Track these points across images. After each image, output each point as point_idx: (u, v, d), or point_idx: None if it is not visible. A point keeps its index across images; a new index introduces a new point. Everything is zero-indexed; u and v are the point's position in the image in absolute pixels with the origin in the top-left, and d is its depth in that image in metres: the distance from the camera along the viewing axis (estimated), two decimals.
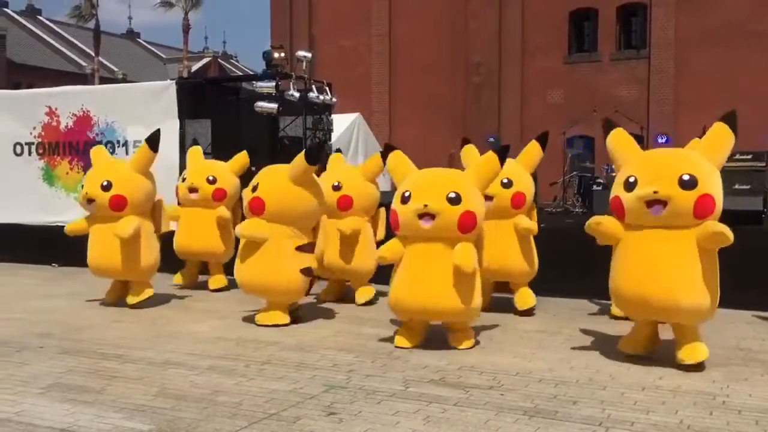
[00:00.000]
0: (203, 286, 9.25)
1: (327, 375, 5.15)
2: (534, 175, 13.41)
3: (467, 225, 5.80)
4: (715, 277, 5.35)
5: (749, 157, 12.09)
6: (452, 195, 5.75)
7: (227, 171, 9.02)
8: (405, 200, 5.91)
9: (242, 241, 6.97)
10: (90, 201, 7.71)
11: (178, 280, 9.35)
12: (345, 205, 7.91)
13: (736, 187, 11.77)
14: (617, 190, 5.49)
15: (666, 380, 5.07)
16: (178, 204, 9.20)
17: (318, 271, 7.95)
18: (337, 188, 7.91)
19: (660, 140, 14.49)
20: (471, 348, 5.99)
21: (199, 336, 6.49)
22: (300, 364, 5.47)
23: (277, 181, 6.91)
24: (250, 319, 7.10)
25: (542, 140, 7.52)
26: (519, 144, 23.41)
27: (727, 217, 8.49)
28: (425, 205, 5.73)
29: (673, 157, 5.53)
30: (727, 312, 7.36)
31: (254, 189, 6.91)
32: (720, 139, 5.46)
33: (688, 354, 5.37)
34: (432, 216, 5.74)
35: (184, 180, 9.06)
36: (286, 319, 6.91)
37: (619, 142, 5.75)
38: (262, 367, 5.37)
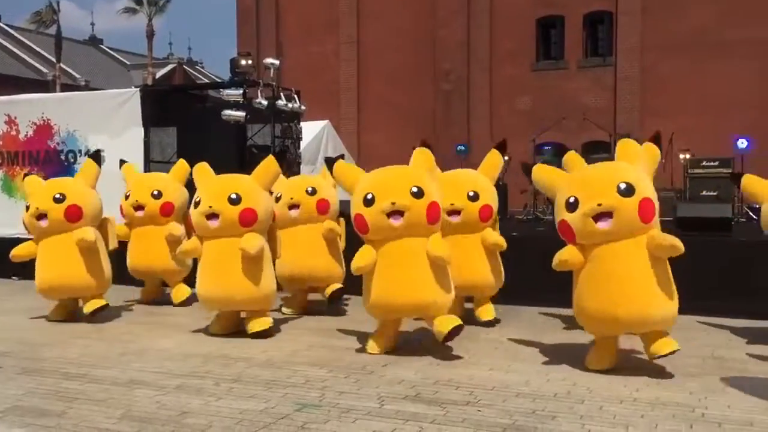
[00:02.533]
0: (169, 300, 8.99)
1: (299, 393, 5.00)
2: (504, 184, 13.50)
3: (435, 216, 5.90)
4: (671, 280, 5.42)
5: (716, 163, 12.26)
6: (415, 189, 5.81)
7: (172, 182, 8.64)
8: (369, 202, 5.84)
9: (209, 256, 6.75)
10: (41, 217, 7.41)
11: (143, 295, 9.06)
12: (324, 208, 7.93)
13: (704, 193, 11.92)
14: (561, 213, 5.49)
15: (643, 392, 5.01)
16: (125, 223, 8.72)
17: (283, 283, 7.88)
18: (312, 193, 7.91)
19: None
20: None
21: (166, 353, 6.27)
22: (271, 381, 5.30)
23: (255, 189, 6.81)
24: (218, 334, 6.92)
25: (501, 148, 7.45)
26: (487, 152, 23.44)
27: (697, 225, 8.62)
28: (393, 203, 5.71)
29: (605, 169, 5.63)
30: (701, 320, 7.41)
31: (235, 201, 6.63)
32: (642, 153, 5.68)
33: (660, 347, 5.40)
34: (401, 213, 5.74)
35: (127, 197, 8.52)
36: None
37: (544, 174, 5.88)
38: (231, 386, 5.19)
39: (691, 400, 4.82)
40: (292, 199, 7.89)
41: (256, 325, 6.78)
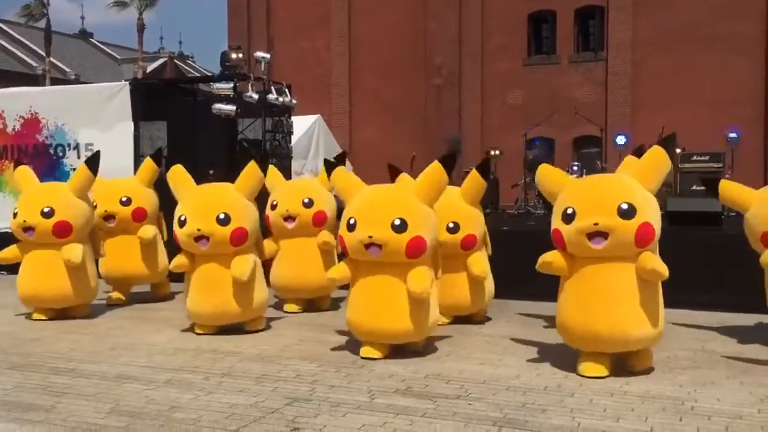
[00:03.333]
0: (153, 297, 8.94)
1: (290, 387, 4.98)
2: (495, 179, 13.49)
3: (416, 251, 5.61)
4: (660, 303, 5.33)
5: (706, 158, 12.23)
6: (397, 222, 5.54)
7: (139, 186, 8.47)
8: (351, 228, 5.71)
9: (204, 273, 6.62)
10: (28, 229, 7.26)
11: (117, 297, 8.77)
12: (320, 221, 7.80)
13: (694, 188, 11.90)
14: (556, 222, 5.35)
15: (633, 385, 5.02)
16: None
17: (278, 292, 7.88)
18: (308, 205, 7.74)
19: (619, 141, 14.61)
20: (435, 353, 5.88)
21: (156, 347, 6.25)
22: (261, 375, 5.29)
23: (242, 202, 6.67)
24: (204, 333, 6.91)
25: (483, 170, 6.94)
26: (479, 146, 23.48)
27: (686, 219, 8.64)
28: (370, 237, 5.54)
29: (609, 185, 5.40)
30: (691, 314, 7.44)
31: (225, 221, 6.44)
32: (656, 164, 5.39)
33: (638, 362, 5.37)
34: (379, 246, 5.57)
35: (95, 207, 8.12)
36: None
37: (547, 175, 5.69)
38: (221, 380, 5.17)
39: (681, 393, 4.84)
40: (287, 210, 7.72)
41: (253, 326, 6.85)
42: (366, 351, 5.84)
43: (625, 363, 5.39)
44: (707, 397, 4.75)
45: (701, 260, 7.97)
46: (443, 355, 5.95)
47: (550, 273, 5.46)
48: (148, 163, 8.61)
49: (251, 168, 6.79)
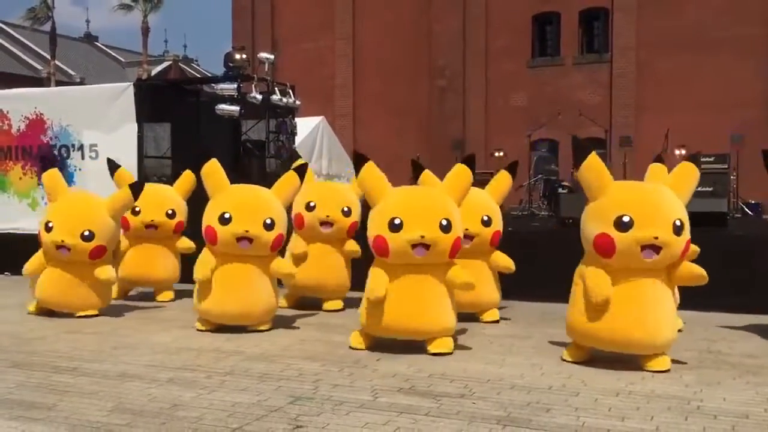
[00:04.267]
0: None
1: (292, 386, 4.95)
2: None
3: (456, 251, 5.82)
4: (670, 308, 5.48)
5: (712, 159, 12.26)
6: (444, 222, 5.66)
7: (179, 199, 8.71)
8: (396, 228, 5.65)
9: (227, 277, 6.66)
10: (62, 248, 7.32)
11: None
12: (353, 230, 7.94)
13: (700, 189, 11.88)
14: (605, 227, 5.24)
15: (638, 385, 4.99)
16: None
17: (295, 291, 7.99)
18: (347, 213, 7.83)
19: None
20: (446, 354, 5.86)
21: (159, 347, 6.22)
22: (264, 374, 5.26)
23: (281, 210, 6.84)
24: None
25: (512, 170, 7.44)
26: (483, 148, 23.48)
27: (691, 220, 8.60)
28: (422, 236, 5.57)
29: (660, 197, 5.38)
30: (697, 315, 7.40)
31: (270, 226, 6.60)
32: (689, 178, 5.54)
33: (654, 364, 5.38)
34: (427, 246, 5.61)
35: (138, 212, 8.41)
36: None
37: (596, 169, 5.47)
38: (224, 379, 5.14)
39: (687, 393, 4.80)
40: (328, 217, 7.75)
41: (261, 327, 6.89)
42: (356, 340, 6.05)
43: (641, 364, 5.40)
44: (713, 397, 4.71)
45: (707, 261, 7.89)
46: (447, 354, 5.91)
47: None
48: (188, 175, 8.71)
49: (290, 176, 6.97)
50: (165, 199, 8.63)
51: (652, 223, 5.16)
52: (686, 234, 5.27)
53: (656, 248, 5.15)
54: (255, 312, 6.73)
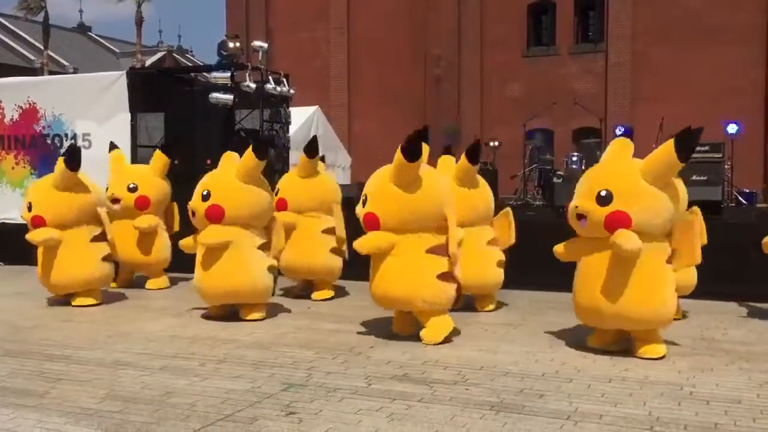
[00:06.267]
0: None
1: (286, 373, 4.95)
2: (494, 169, 13.45)
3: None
4: (662, 282, 5.33)
5: (706, 148, 12.22)
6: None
7: (150, 176, 8.65)
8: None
9: (201, 250, 6.72)
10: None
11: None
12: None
13: (694, 178, 11.89)
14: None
15: (632, 371, 5.00)
16: None
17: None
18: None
19: (618, 131, 14.57)
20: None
21: (153, 335, 6.21)
22: (258, 362, 5.26)
23: (228, 184, 6.73)
24: (206, 316, 6.90)
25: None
26: (478, 137, 23.35)
27: (687, 207, 8.58)
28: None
29: (600, 172, 5.64)
30: (691, 302, 7.41)
31: (206, 197, 6.65)
32: (660, 151, 5.31)
33: (646, 352, 5.38)
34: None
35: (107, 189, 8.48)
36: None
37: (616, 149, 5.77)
38: (217, 366, 5.14)
39: (680, 379, 4.81)
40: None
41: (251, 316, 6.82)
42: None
43: (634, 349, 5.41)
44: (706, 383, 4.72)
45: (701, 249, 7.92)
46: (441, 342, 5.91)
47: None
48: (158, 153, 8.75)
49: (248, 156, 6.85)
50: (129, 174, 8.65)
51: (579, 193, 5.52)
52: (615, 205, 5.22)
53: (583, 216, 5.38)
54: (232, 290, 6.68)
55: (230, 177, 6.78)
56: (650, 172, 5.29)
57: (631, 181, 5.34)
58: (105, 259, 7.61)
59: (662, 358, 5.34)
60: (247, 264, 6.65)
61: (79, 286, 7.51)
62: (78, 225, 7.46)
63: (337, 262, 7.87)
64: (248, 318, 6.76)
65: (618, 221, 5.23)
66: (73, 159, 7.36)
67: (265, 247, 6.81)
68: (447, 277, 5.79)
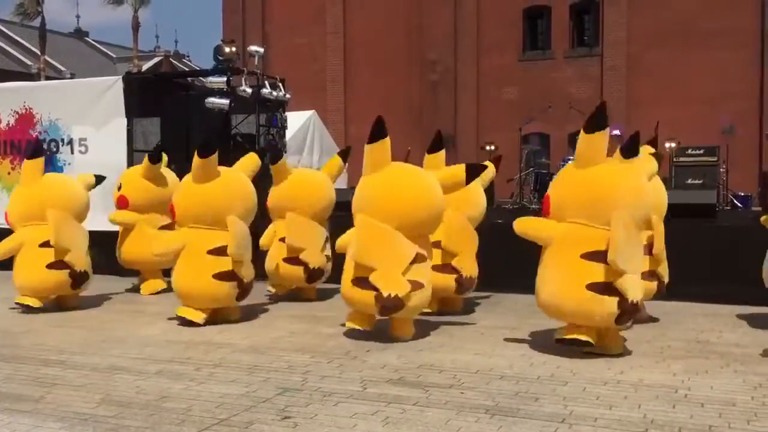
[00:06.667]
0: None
1: (281, 377, 4.95)
2: None
3: None
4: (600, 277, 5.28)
5: (701, 152, 12.31)
6: None
7: (136, 177, 8.80)
8: None
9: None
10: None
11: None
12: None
13: (690, 181, 11.97)
14: None
15: (627, 374, 5.01)
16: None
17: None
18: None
19: (613, 132, 14.58)
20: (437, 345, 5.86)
21: (148, 340, 6.21)
22: (253, 366, 5.26)
23: (183, 184, 7.06)
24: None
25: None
26: (474, 141, 23.38)
27: (681, 211, 8.62)
28: None
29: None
30: (686, 305, 7.45)
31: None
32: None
33: (606, 346, 5.53)
34: None
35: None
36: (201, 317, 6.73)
37: None
38: (212, 371, 5.14)
39: (675, 382, 4.82)
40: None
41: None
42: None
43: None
44: (701, 386, 4.73)
45: (695, 252, 7.96)
46: (436, 345, 5.93)
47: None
48: (144, 160, 8.84)
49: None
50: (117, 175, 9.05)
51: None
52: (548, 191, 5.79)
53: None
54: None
55: (187, 178, 7.08)
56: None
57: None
58: None
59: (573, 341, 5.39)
60: (191, 267, 6.81)
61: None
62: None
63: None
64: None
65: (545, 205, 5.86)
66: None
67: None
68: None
